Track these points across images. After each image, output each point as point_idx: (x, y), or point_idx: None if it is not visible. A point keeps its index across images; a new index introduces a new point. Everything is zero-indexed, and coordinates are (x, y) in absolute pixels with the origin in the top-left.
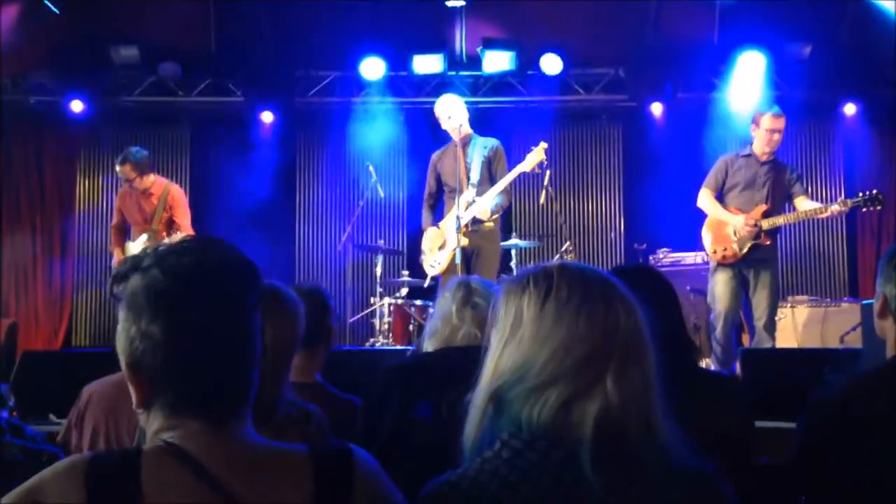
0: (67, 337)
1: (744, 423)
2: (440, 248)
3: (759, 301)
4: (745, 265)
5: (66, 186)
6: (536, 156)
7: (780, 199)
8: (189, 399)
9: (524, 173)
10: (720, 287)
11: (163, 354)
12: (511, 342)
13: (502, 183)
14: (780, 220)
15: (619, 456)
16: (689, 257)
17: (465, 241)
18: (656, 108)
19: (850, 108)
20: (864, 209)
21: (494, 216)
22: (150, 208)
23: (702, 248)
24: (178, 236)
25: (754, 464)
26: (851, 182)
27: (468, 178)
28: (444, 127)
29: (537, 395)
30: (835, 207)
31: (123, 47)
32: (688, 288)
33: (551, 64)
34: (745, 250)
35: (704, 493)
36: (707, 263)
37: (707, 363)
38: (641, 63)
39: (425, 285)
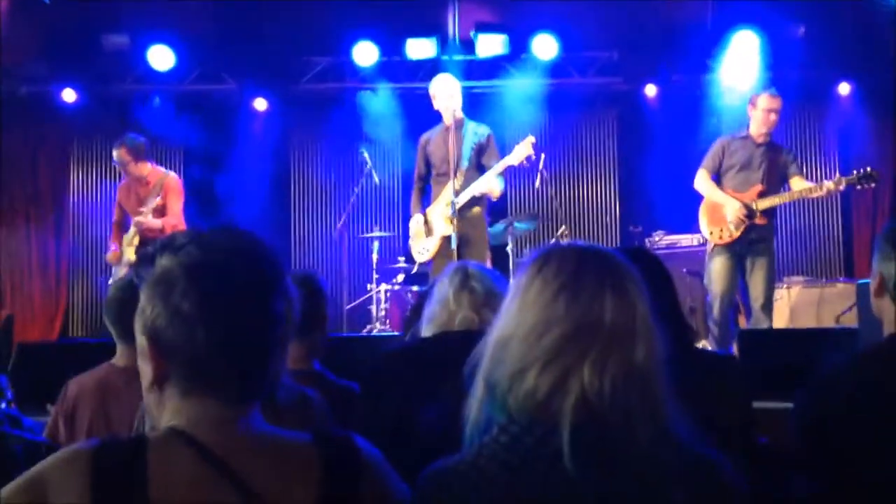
0: (64, 328)
1: (742, 403)
2: (427, 234)
3: (756, 282)
4: (742, 246)
5: (59, 176)
6: (524, 149)
7: (776, 180)
8: (207, 377)
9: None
10: (717, 268)
11: (189, 329)
12: (500, 317)
13: (492, 171)
14: (775, 200)
15: (604, 445)
16: (685, 239)
17: (451, 231)
18: (651, 90)
19: (844, 88)
20: (859, 187)
21: (481, 202)
22: (145, 194)
23: (698, 230)
24: (161, 221)
25: (753, 444)
26: (846, 162)
27: (458, 163)
28: (438, 106)
29: (517, 378)
30: (829, 185)
31: (114, 35)
32: (684, 270)
33: (545, 47)
34: (741, 232)
35: (710, 479)
36: (703, 245)
37: (704, 344)
38: (635, 45)
39: (413, 271)
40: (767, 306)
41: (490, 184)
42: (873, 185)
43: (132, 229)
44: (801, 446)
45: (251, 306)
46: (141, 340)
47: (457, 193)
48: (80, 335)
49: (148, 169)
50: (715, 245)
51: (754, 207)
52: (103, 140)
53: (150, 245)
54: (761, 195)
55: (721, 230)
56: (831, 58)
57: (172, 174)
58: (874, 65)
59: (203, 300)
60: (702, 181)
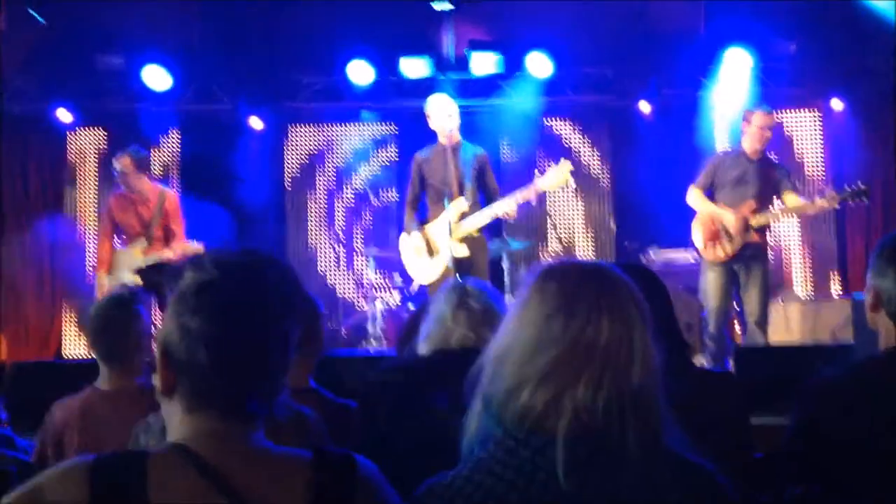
0: (59, 347)
1: (738, 419)
2: (430, 254)
3: (751, 298)
4: (736, 262)
5: (54, 195)
6: (561, 177)
7: (769, 197)
8: (210, 394)
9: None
10: (712, 284)
11: (194, 347)
12: (499, 333)
13: (519, 196)
14: (768, 217)
15: (598, 462)
16: (681, 256)
17: (465, 253)
18: (644, 107)
19: (836, 104)
20: (852, 203)
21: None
22: (148, 214)
23: (693, 246)
24: (178, 247)
25: (749, 459)
26: (838, 178)
27: (461, 186)
28: (434, 126)
29: (513, 395)
30: (822, 203)
31: (109, 55)
32: (680, 286)
33: (539, 65)
34: (736, 248)
35: (703, 493)
36: (697, 262)
37: (700, 360)
38: (629, 62)
39: (413, 291)
40: (763, 322)
41: (510, 207)
42: (865, 201)
43: (137, 252)
44: (794, 452)
45: (258, 328)
46: (157, 353)
47: (464, 215)
48: (75, 355)
49: (147, 185)
50: (709, 261)
51: (749, 224)
52: (97, 159)
53: (181, 261)
54: (754, 211)
55: (715, 246)
56: (823, 74)
57: (171, 191)
58: (865, 81)
59: (209, 319)
60: (694, 197)
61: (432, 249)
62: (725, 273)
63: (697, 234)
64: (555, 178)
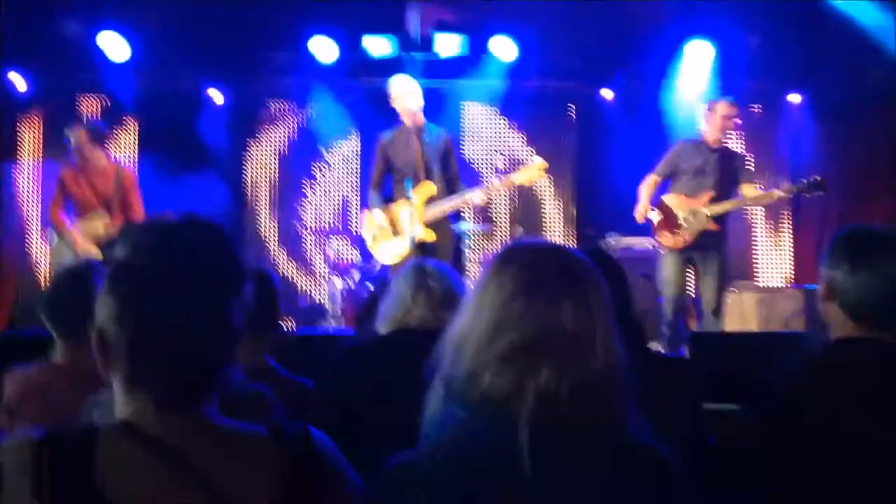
0: (11, 320)
1: (692, 404)
2: (394, 234)
3: (707, 285)
4: (694, 250)
5: (5, 163)
6: (535, 174)
7: (727, 186)
8: (141, 377)
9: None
10: (669, 271)
11: (116, 328)
12: (459, 315)
13: (494, 187)
14: (726, 206)
15: (561, 446)
16: (640, 243)
17: (432, 237)
18: (607, 94)
19: (794, 98)
20: (808, 195)
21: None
22: (105, 188)
23: (650, 234)
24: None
25: (702, 443)
26: (797, 170)
27: (427, 169)
28: (398, 106)
29: (474, 378)
30: (778, 193)
31: (68, 22)
32: (637, 273)
33: (504, 49)
34: (693, 237)
35: (663, 478)
36: (654, 249)
37: (655, 346)
38: (594, 50)
39: (376, 269)
40: (718, 310)
41: (482, 198)
42: (821, 193)
43: (98, 224)
44: (749, 451)
45: (186, 304)
46: (93, 330)
47: (432, 199)
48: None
49: (103, 158)
50: (666, 248)
51: (706, 213)
52: (51, 129)
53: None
54: (713, 201)
55: (672, 234)
56: (783, 68)
57: (128, 168)
58: (825, 76)
59: (122, 300)
60: (643, 186)
61: (397, 230)
62: (682, 261)
63: (655, 222)
64: (529, 175)
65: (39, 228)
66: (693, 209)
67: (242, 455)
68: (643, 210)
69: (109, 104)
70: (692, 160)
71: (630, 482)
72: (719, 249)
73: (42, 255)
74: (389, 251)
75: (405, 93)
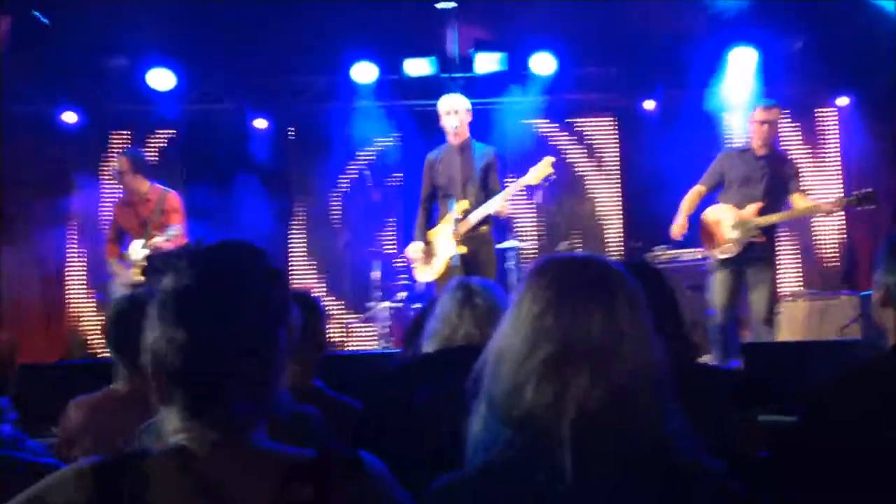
0: (67, 349)
1: (742, 416)
2: (428, 258)
3: (758, 296)
4: (743, 261)
5: (61, 197)
6: (543, 170)
7: (777, 195)
8: (205, 405)
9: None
10: (718, 283)
11: (183, 358)
12: (497, 331)
13: (507, 192)
14: (774, 219)
15: (605, 459)
16: (687, 254)
17: (463, 249)
18: (649, 105)
19: (843, 101)
20: (859, 208)
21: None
22: (147, 213)
23: (699, 245)
24: (173, 231)
25: (753, 457)
26: (848, 174)
27: (465, 186)
28: (447, 123)
29: (515, 394)
30: (827, 206)
31: (114, 56)
32: (685, 284)
33: (543, 64)
34: (741, 248)
35: (712, 491)
36: (705, 259)
37: (707, 359)
38: (634, 61)
39: (416, 289)
40: (769, 320)
41: (501, 204)
42: (872, 206)
43: (140, 250)
44: (802, 460)
45: (252, 331)
46: (146, 358)
47: (466, 214)
48: (82, 356)
49: (147, 186)
50: (715, 260)
51: (754, 224)
52: (103, 161)
53: (158, 258)
54: (762, 211)
55: (720, 246)
56: (829, 71)
57: (172, 192)
58: (873, 78)
59: (192, 330)
60: (685, 199)
61: (433, 252)
62: (732, 272)
63: (704, 234)
64: (537, 173)
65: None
66: (741, 220)
67: (288, 479)
68: (681, 225)
69: (154, 133)
70: (739, 169)
71: (679, 495)
72: (769, 259)
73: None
74: (426, 272)
75: (443, 113)
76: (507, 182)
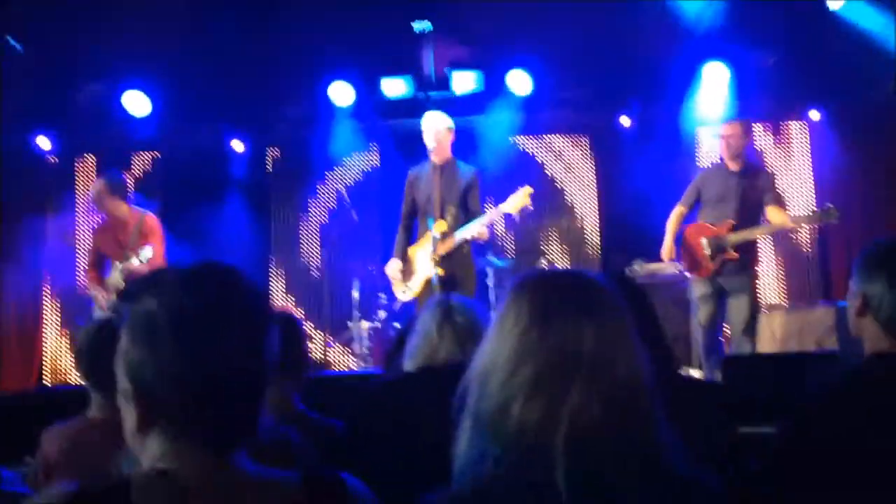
0: (41, 377)
1: (727, 428)
2: (406, 276)
3: (737, 308)
4: (721, 276)
5: (36, 222)
6: (521, 200)
7: (752, 209)
8: (193, 430)
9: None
10: (699, 299)
11: (174, 377)
12: (481, 349)
13: (485, 218)
14: (745, 235)
15: (598, 476)
16: (667, 268)
17: (440, 271)
18: (625, 121)
19: (814, 115)
20: (821, 223)
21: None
22: (125, 237)
23: (678, 260)
24: (146, 253)
25: (742, 468)
26: (820, 187)
27: (443, 206)
28: (432, 141)
29: (503, 411)
30: (790, 224)
31: (89, 82)
32: (666, 299)
33: (519, 82)
34: (716, 265)
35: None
36: (682, 273)
37: (690, 372)
38: (609, 79)
39: (395, 307)
40: (749, 332)
41: (480, 230)
42: (834, 221)
43: (117, 274)
44: (784, 474)
45: (238, 351)
46: (124, 383)
47: (444, 235)
48: (58, 383)
49: (125, 209)
50: (695, 278)
51: (727, 241)
52: (79, 188)
53: (133, 282)
54: (734, 228)
55: (697, 263)
56: (802, 86)
57: (150, 214)
58: (845, 92)
59: (188, 347)
60: (669, 221)
61: (412, 270)
62: (711, 289)
63: (682, 252)
64: (515, 202)
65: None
66: (715, 238)
67: (274, 502)
68: (668, 248)
69: (131, 157)
70: (714, 187)
71: None
72: (746, 274)
73: (58, 312)
74: (405, 290)
75: (424, 130)
76: (486, 205)
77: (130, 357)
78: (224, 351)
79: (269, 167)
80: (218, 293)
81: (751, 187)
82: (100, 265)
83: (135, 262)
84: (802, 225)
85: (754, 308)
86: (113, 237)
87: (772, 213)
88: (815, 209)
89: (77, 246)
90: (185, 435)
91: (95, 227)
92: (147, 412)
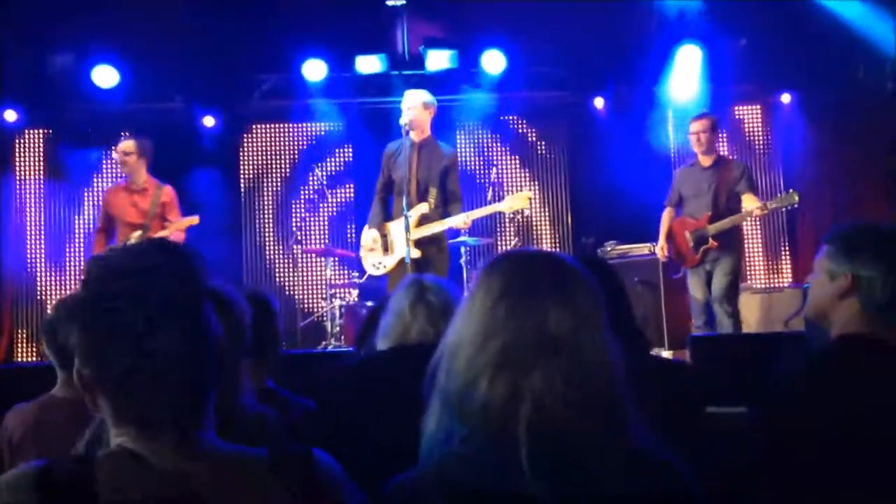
0: (9, 352)
1: (695, 407)
2: (385, 250)
3: (716, 282)
4: (706, 263)
5: (1, 194)
6: (519, 202)
7: (726, 201)
8: (125, 412)
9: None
10: (692, 285)
11: (94, 368)
12: (450, 327)
13: (475, 214)
14: (724, 224)
15: (562, 454)
16: (637, 249)
17: (417, 253)
18: (599, 103)
19: (785, 98)
20: (785, 208)
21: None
22: (146, 205)
23: (649, 241)
24: (172, 225)
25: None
26: (790, 170)
27: (419, 185)
28: (409, 118)
29: (469, 388)
30: (756, 211)
31: (59, 54)
32: (636, 279)
33: (494, 62)
34: (699, 254)
35: (668, 484)
36: (654, 255)
37: (657, 352)
38: (583, 60)
39: (361, 280)
40: (726, 301)
41: (464, 221)
42: (794, 205)
43: (136, 237)
44: (757, 455)
45: (168, 331)
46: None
47: (425, 218)
48: (28, 359)
49: (146, 176)
50: (685, 268)
51: (706, 233)
52: (47, 162)
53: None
54: (710, 221)
55: (683, 255)
56: (772, 69)
57: (168, 186)
58: (815, 76)
59: (95, 341)
60: (662, 221)
61: (388, 245)
62: (701, 275)
63: (671, 247)
64: (512, 203)
65: (44, 255)
66: (696, 231)
67: (242, 478)
68: (662, 248)
69: (97, 131)
70: (690, 184)
71: (634, 488)
72: (727, 256)
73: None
74: (378, 265)
75: (407, 106)
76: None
77: (73, 339)
78: (146, 331)
79: (241, 143)
80: (142, 272)
81: (723, 179)
82: (108, 231)
83: (169, 232)
84: (762, 212)
85: (733, 280)
86: (131, 202)
87: (746, 201)
88: (778, 194)
89: (40, 219)
90: (123, 417)
91: (109, 190)
92: (91, 394)
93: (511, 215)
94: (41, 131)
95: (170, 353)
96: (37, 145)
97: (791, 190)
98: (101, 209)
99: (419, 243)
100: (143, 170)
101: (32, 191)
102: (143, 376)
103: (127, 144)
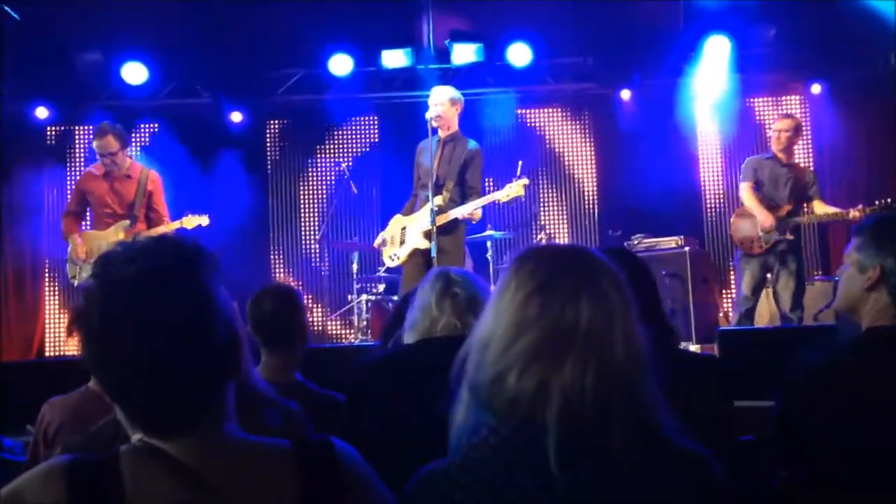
0: (41, 347)
1: (723, 401)
2: (402, 242)
3: (784, 286)
4: (771, 256)
5: (34, 193)
6: (515, 190)
7: (799, 199)
8: (131, 413)
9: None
10: (746, 276)
11: (100, 370)
12: (480, 321)
13: (479, 202)
14: (801, 220)
15: (590, 447)
16: (664, 242)
17: (427, 244)
18: (625, 95)
19: (816, 88)
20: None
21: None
22: (130, 193)
23: (676, 233)
24: (161, 229)
25: (735, 441)
26: (821, 161)
27: (441, 179)
28: (435, 114)
29: (498, 382)
30: (854, 214)
31: (87, 51)
32: (663, 272)
33: (519, 54)
34: (769, 244)
35: (698, 476)
36: (682, 248)
37: (685, 346)
38: (609, 51)
39: (380, 272)
40: (796, 307)
41: (472, 210)
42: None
43: (120, 233)
44: (781, 440)
45: (171, 330)
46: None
47: (440, 210)
48: (59, 354)
49: (129, 162)
50: (745, 253)
51: (787, 223)
52: (78, 157)
53: (95, 263)
54: (790, 214)
55: (752, 242)
56: (802, 59)
57: (153, 170)
58: (845, 65)
59: (98, 343)
60: (747, 194)
61: (403, 238)
62: (761, 266)
63: (736, 228)
64: (509, 191)
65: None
66: (775, 219)
67: (264, 470)
68: (767, 216)
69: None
70: (766, 174)
71: (664, 480)
72: (797, 253)
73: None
74: (393, 256)
75: (430, 104)
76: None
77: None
78: (145, 327)
79: (268, 138)
80: (142, 268)
81: (799, 179)
82: (80, 213)
83: (168, 228)
84: (855, 217)
85: (801, 289)
86: (111, 188)
87: (817, 206)
88: (879, 201)
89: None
90: (130, 417)
91: (87, 172)
92: (105, 387)
93: (510, 202)
94: (74, 128)
95: (174, 346)
96: (73, 140)
97: (889, 200)
98: (75, 192)
99: (430, 234)
100: (125, 156)
101: (68, 185)
102: (149, 370)
103: (105, 141)
